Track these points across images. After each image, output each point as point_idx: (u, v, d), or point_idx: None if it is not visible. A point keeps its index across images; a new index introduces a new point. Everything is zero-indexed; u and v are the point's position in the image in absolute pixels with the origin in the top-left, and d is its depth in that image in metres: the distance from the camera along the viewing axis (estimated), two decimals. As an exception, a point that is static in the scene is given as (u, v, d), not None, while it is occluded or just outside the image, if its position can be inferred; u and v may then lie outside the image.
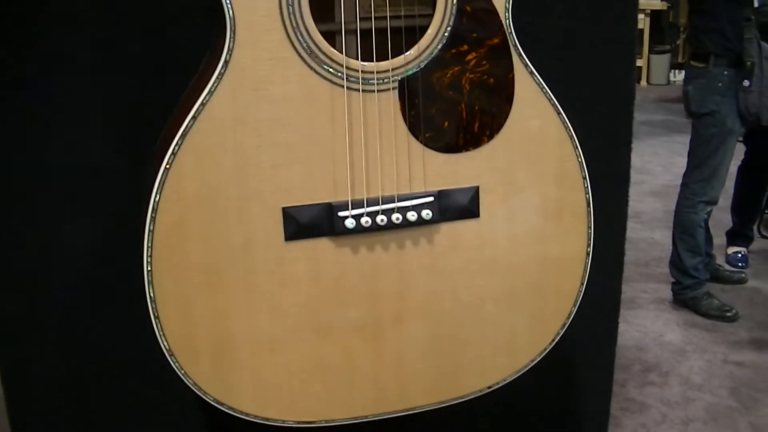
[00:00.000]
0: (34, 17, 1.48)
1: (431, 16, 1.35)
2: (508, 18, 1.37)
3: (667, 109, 6.69)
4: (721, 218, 3.79)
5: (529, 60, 1.38)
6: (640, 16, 7.57)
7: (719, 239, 3.69)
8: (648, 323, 3.19)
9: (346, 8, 1.35)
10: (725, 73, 3.07)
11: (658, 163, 5.05)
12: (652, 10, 7.93)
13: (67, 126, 1.55)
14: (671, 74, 8.08)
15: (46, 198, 1.57)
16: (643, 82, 8.02)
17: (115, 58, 1.54)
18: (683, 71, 3.87)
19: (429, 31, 1.34)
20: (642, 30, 7.80)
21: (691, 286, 3.31)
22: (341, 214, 1.33)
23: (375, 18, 1.33)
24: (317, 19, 1.29)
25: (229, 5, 1.25)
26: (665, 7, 8.02)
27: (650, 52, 8.02)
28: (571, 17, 1.73)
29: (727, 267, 3.69)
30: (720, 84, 3.10)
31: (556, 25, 1.72)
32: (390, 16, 1.33)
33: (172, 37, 1.54)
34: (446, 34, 1.34)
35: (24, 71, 1.51)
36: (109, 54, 1.53)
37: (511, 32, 1.37)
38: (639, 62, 7.88)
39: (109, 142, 1.57)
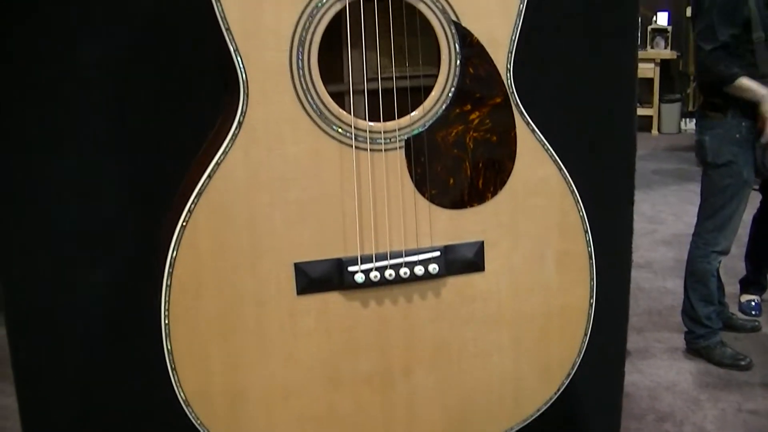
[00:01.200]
0: (55, 86, 1.56)
1: (436, 76, 1.41)
2: (509, 78, 1.43)
3: (679, 158, 6.73)
4: (734, 266, 3.81)
5: (530, 114, 1.45)
6: (650, 65, 7.65)
7: (732, 287, 3.70)
8: (662, 372, 3.20)
9: (355, 70, 1.42)
10: (743, 124, 3.07)
11: (669, 212, 5.08)
12: (661, 60, 7.99)
13: (88, 179, 1.62)
14: (682, 123, 8.12)
15: (66, 248, 1.64)
16: (654, 131, 8.06)
17: (131, 116, 1.62)
18: (694, 119, 3.87)
19: (433, 92, 1.40)
20: (652, 79, 7.86)
21: (704, 335, 3.31)
22: (351, 269, 1.39)
23: (382, 79, 1.40)
24: (326, 80, 1.37)
25: (242, 68, 1.32)
26: (675, 56, 8.08)
27: (661, 101, 8.07)
28: (570, 71, 1.79)
29: (741, 315, 3.69)
30: (738, 135, 3.09)
31: (556, 80, 1.78)
32: (396, 77, 1.40)
33: (186, 96, 1.62)
34: (450, 94, 1.40)
35: (42, 126, 1.59)
36: (125, 111, 1.62)
37: (512, 91, 1.44)
38: (649, 111, 7.93)
39: (126, 197, 1.65)
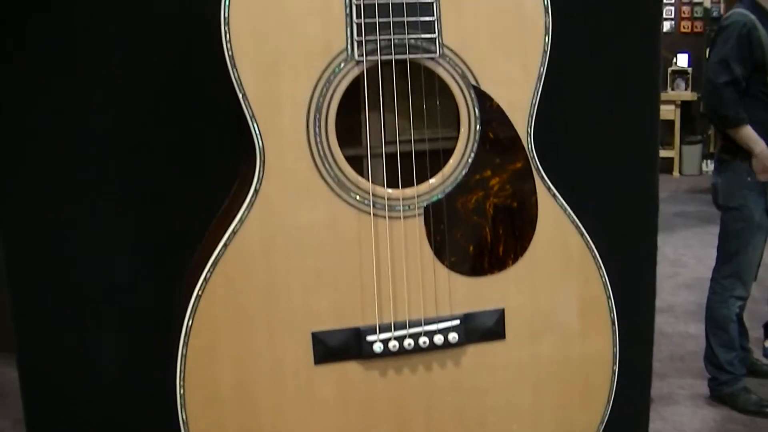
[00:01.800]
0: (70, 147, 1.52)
1: (455, 138, 1.37)
2: (530, 142, 1.38)
3: (700, 200, 6.64)
4: (757, 310, 3.73)
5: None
6: (671, 107, 7.60)
7: (756, 332, 3.63)
8: (685, 420, 3.12)
9: (373, 133, 1.37)
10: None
11: (691, 255, 5.00)
12: (682, 101, 7.94)
13: (103, 245, 1.57)
14: (703, 164, 8.05)
15: (77, 313, 1.59)
16: (676, 173, 8.00)
17: (146, 183, 1.57)
18: (715, 161, 3.84)
19: (452, 158, 1.35)
20: (673, 121, 7.81)
21: (728, 382, 3.24)
22: (369, 338, 1.33)
23: (400, 142, 1.35)
24: (344, 144, 1.33)
25: (258, 134, 1.27)
26: (695, 98, 8.03)
27: (682, 143, 8.01)
28: (592, 132, 1.74)
29: (765, 360, 3.61)
30: (749, 178, 3.06)
31: (577, 140, 1.73)
32: (415, 140, 1.35)
33: (201, 162, 1.57)
34: (470, 160, 1.36)
35: (58, 192, 1.55)
36: (139, 179, 1.57)
37: (533, 156, 1.38)
38: (671, 153, 7.87)
39: (143, 256, 1.60)
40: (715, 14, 8.51)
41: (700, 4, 8.62)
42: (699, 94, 8.02)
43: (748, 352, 3.47)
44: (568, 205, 1.42)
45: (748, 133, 2.98)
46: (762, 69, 3.03)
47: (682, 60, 8.26)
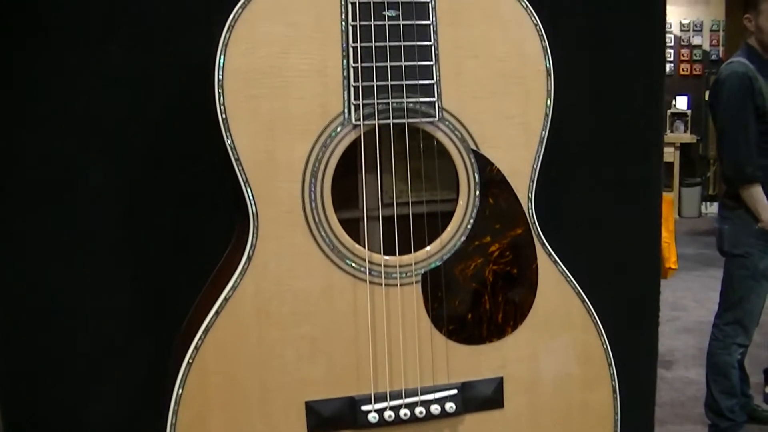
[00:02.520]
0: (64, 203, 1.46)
1: (453, 200, 1.31)
2: (531, 207, 1.32)
3: (700, 242, 6.56)
4: (758, 355, 3.66)
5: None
6: (670, 149, 7.55)
7: (757, 377, 3.55)
8: (686, 467, 3.04)
9: (369, 196, 1.31)
10: None
11: (691, 299, 4.91)
12: (681, 144, 7.89)
13: (94, 307, 1.50)
14: (702, 206, 7.97)
15: (67, 376, 1.52)
16: (675, 215, 7.93)
17: (138, 245, 1.51)
18: (715, 203, 3.81)
19: (451, 224, 1.29)
20: (672, 163, 7.75)
21: (728, 429, 3.17)
22: (364, 408, 1.26)
23: (397, 204, 1.29)
24: (339, 206, 1.27)
25: (252, 201, 1.21)
26: (694, 140, 7.98)
27: (681, 185, 7.95)
28: (593, 195, 1.68)
29: (765, 407, 3.54)
30: (756, 226, 3.01)
31: (578, 203, 1.66)
32: (412, 202, 1.29)
33: (195, 218, 1.50)
34: (469, 226, 1.29)
35: (48, 243, 1.48)
36: (132, 240, 1.50)
37: (534, 221, 1.32)
38: (670, 195, 7.80)
39: (131, 320, 1.52)
40: (714, 57, 8.49)
41: (699, 47, 8.60)
42: (698, 136, 7.99)
43: (749, 398, 3.41)
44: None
45: (758, 195, 2.94)
46: (763, 118, 3.01)
47: (681, 102, 8.21)
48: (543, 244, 1.33)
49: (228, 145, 1.20)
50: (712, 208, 6.49)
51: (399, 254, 1.28)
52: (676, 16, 8.48)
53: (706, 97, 3.28)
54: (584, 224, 1.67)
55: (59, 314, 1.49)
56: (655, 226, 1.71)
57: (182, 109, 1.46)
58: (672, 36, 8.44)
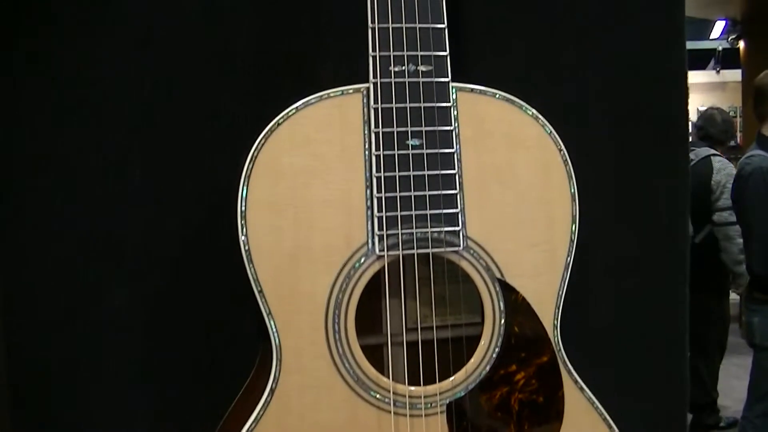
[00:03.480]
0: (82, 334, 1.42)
1: (477, 324, 1.27)
2: (557, 335, 1.27)
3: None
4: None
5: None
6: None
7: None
8: None
9: (393, 322, 1.27)
10: None
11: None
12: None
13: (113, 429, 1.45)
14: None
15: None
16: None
17: (158, 371, 1.46)
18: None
19: (476, 353, 1.25)
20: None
21: None
22: None
23: (421, 329, 1.24)
24: (361, 331, 1.22)
25: (275, 333, 1.18)
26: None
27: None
28: (618, 306, 1.62)
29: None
30: None
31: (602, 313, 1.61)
32: (436, 328, 1.24)
33: (216, 344, 1.47)
34: (494, 355, 1.25)
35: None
36: (152, 367, 1.46)
37: (559, 349, 1.27)
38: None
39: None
40: (732, 143, 8.38)
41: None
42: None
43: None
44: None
45: None
46: None
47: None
48: (569, 372, 1.28)
49: (251, 276, 1.17)
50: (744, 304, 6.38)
51: (424, 383, 1.23)
52: (692, 104, 8.42)
53: (730, 195, 3.23)
54: (609, 334, 1.61)
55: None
56: (682, 339, 1.65)
57: (205, 234, 1.43)
58: (690, 123, 8.35)
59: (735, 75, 6.80)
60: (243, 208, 1.16)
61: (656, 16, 1.59)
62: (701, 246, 3.49)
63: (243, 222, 1.16)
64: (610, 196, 1.59)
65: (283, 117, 1.18)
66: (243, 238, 1.16)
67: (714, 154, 3.88)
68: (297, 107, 1.19)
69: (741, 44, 7.15)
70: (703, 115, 4.38)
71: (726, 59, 8.08)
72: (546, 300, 1.27)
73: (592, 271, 1.53)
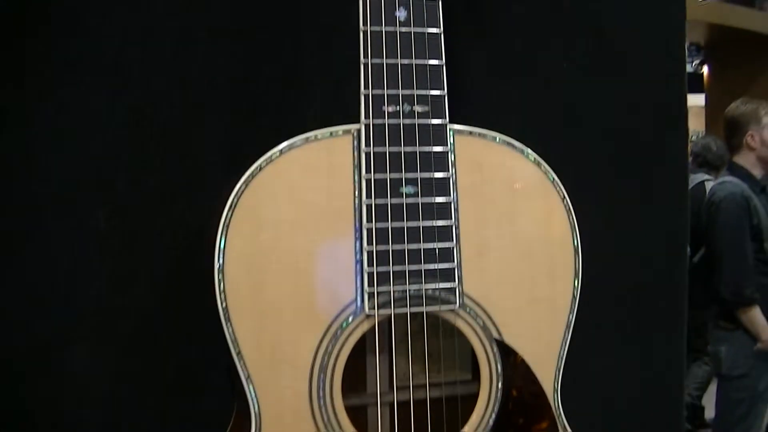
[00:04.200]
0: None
1: (470, 382, 1.17)
2: (557, 399, 1.16)
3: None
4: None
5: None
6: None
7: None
8: None
9: (381, 380, 1.14)
10: None
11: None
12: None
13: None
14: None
15: None
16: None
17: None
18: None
19: (472, 418, 1.14)
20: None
21: None
22: None
23: (413, 387, 1.13)
24: (347, 389, 1.10)
25: (254, 399, 1.05)
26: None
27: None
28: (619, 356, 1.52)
29: None
30: (756, 347, 2.89)
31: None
32: (428, 386, 1.13)
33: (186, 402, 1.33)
34: (491, 421, 1.13)
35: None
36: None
37: (559, 413, 1.16)
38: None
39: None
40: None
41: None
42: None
43: None
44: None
45: (758, 317, 2.82)
46: (759, 237, 2.92)
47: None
48: (569, 438, 1.16)
49: (228, 337, 1.04)
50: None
51: (415, 450, 1.11)
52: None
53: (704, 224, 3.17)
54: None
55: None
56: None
57: (175, 288, 1.30)
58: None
59: (698, 100, 6.77)
60: (221, 262, 1.03)
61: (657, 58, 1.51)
62: (698, 266, 3.41)
63: (221, 277, 1.03)
64: (611, 254, 1.49)
65: (265, 160, 1.06)
66: (220, 294, 1.03)
67: (707, 179, 3.84)
68: (281, 150, 1.06)
69: (704, 69, 7.12)
70: (699, 143, 4.37)
71: (689, 84, 8.06)
72: (546, 362, 1.15)
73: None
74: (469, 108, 1.21)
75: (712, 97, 6.55)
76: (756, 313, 2.85)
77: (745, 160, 3.15)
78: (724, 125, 3.35)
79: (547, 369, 1.15)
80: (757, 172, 3.12)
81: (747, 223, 2.93)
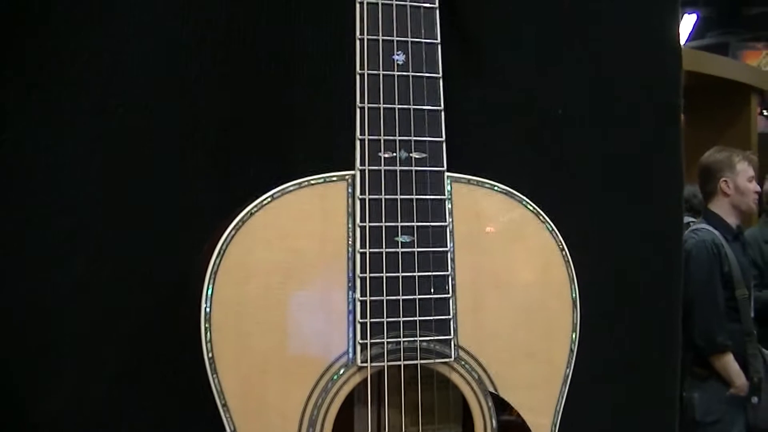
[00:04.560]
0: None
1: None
2: (555, 448, 1.11)
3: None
4: None
5: None
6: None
7: None
8: None
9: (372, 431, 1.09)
10: None
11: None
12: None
13: None
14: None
15: None
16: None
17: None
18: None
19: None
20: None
21: None
22: None
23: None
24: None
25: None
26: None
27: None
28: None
29: None
30: (728, 393, 2.87)
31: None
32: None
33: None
34: (485, 480, 1.07)
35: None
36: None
37: (558, 465, 1.11)
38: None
39: None
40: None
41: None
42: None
43: None
44: None
45: (731, 364, 2.81)
46: (730, 285, 2.92)
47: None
48: (567, 500, 1.12)
49: (214, 388, 0.99)
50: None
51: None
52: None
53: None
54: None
55: None
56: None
57: (158, 335, 1.24)
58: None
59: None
60: (208, 310, 0.98)
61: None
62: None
63: (207, 326, 0.98)
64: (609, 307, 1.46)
65: (256, 206, 1.01)
66: (206, 344, 0.98)
67: (692, 222, 3.85)
68: (273, 195, 1.02)
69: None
70: (685, 190, 4.40)
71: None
72: (542, 415, 1.11)
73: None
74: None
75: (687, 145, 6.58)
76: (729, 359, 2.84)
77: (719, 207, 3.17)
78: (699, 173, 3.37)
79: (543, 422, 1.11)
80: (731, 219, 3.14)
81: (718, 270, 2.93)
